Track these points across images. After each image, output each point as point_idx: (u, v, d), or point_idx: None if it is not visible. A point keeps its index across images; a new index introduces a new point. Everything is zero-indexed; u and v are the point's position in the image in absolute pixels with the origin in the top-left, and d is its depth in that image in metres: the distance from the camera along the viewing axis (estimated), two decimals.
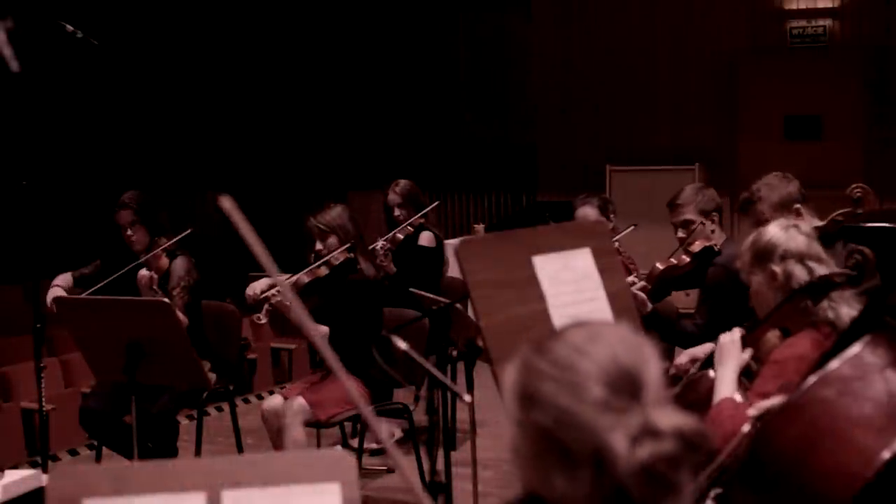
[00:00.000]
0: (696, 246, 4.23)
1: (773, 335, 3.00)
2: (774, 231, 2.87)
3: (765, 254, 2.84)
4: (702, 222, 4.29)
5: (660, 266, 4.29)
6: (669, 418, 1.36)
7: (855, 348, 2.09)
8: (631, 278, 4.23)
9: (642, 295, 4.08)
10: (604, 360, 1.39)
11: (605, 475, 1.34)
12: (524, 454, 1.44)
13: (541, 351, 1.45)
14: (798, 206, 3.88)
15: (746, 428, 2.32)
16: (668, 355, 4.49)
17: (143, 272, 4.69)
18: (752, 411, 2.38)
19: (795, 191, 3.96)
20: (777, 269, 2.80)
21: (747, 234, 4.29)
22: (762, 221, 3.89)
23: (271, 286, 4.42)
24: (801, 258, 2.77)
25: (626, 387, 1.38)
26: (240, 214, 1.46)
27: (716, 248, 4.21)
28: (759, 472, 2.04)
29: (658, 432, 1.34)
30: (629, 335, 1.44)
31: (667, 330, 4.13)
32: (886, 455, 1.95)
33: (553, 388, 1.40)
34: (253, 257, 1.45)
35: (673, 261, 4.28)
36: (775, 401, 2.33)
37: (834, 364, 2.07)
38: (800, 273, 2.78)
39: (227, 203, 1.46)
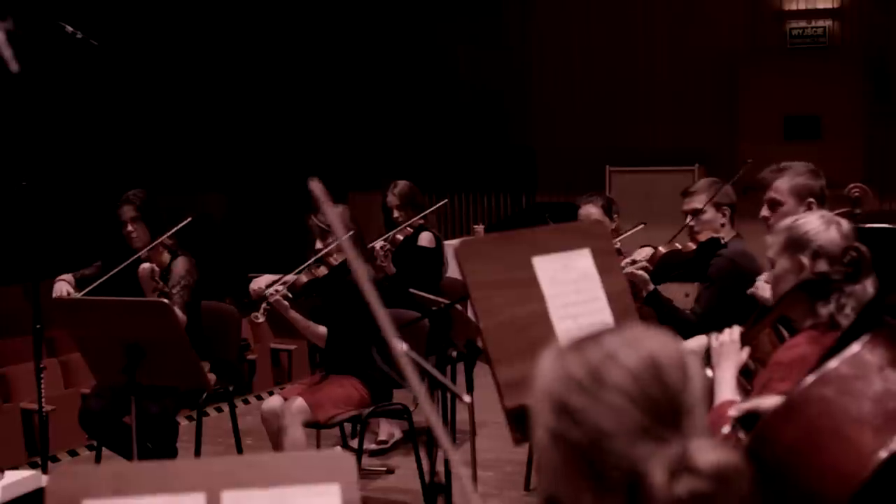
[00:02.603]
0: (703, 235, 4.21)
1: (769, 335, 3.00)
2: (815, 224, 2.72)
3: (799, 244, 2.71)
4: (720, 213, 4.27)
5: (662, 249, 4.27)
6: (709, 455, 1.30)
7: (854, 348, 2.09)
8: (632, 257, 4.21)
9: (644, 274, 4.06)
10: (644, 377, 1.33)
11: (638, 502, 1.31)
12: (552, 464, 1.38)
13: (578, 356, 1.36)
14: (812, 201, 3.80)
15: (727, 430, 2.28)
16: None
17: (145, 265, 4.70)
18: (733, 412, 2.33)
19: (818, 187, 3.85)
20: (806, 261, 2.68)
21: (746, 233, 4.32)
22: (773, 201, 3.84)
23: (274, 282, 4.44)
24: (832, 260, 2.65)
25: (667, 414, 1.32)
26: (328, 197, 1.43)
27: (722, 241, 4.19)
28: (757, 470, 2.04)
29: (696, 470, 1.29)
30: (672, 348, 1.36)
31: (665, 312, 4.09)
32: (884, 454, 1.96)
33: (589, 404, 1.33)
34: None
35: (677, 245, 4.26)
36: (761, 402, 2.31)
37: (833, 363, 2.08)
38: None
39: (316, 187, 1.43)
